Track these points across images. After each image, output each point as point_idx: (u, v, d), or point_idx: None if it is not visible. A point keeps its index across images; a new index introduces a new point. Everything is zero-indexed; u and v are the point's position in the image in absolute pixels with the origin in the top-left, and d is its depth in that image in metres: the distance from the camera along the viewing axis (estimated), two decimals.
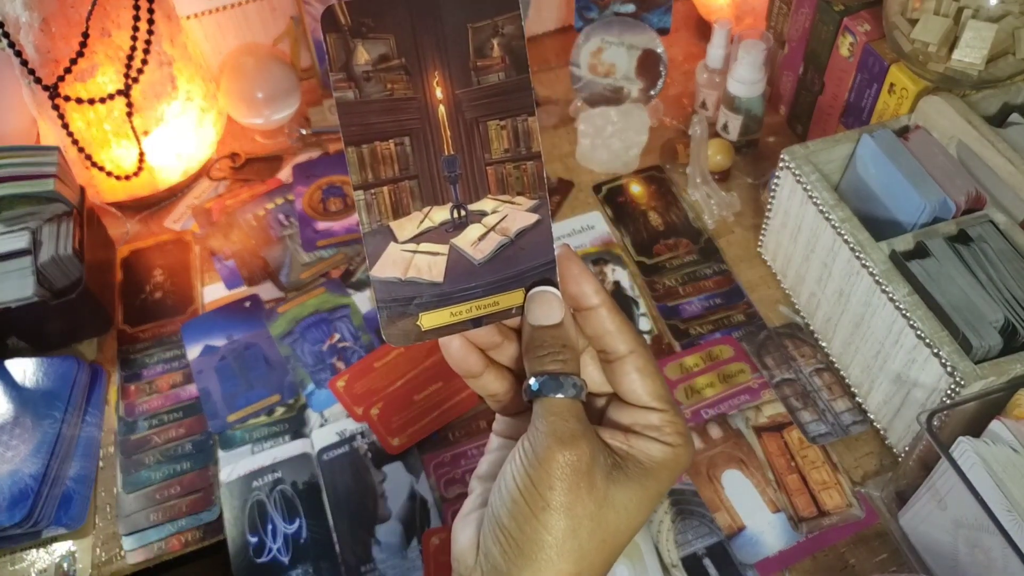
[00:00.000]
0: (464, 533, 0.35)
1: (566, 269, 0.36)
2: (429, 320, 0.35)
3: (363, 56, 0.33)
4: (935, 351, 0.60)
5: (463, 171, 0.35)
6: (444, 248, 0.35)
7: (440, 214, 0.35)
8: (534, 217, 0.36)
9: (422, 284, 0.35)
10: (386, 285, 0.35)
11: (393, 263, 0.35)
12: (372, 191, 0.35)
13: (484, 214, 0.36)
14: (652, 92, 0.97)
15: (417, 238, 0.35)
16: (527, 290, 0.36)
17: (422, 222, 0.35)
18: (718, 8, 1.05)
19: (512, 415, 0.40)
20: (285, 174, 0.99)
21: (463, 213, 0.35)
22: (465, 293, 0.35)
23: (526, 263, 0.36)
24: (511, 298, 0.36)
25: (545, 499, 0.32)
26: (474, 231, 0.35)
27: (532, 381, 0.34)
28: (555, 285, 0.36)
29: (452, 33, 0.34)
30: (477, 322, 0.36)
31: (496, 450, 0.39)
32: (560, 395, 0.34)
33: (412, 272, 0.35)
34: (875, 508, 0.68)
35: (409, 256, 0.35)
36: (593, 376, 0.38)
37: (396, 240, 0.35)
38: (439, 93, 0.34)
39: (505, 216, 0.36)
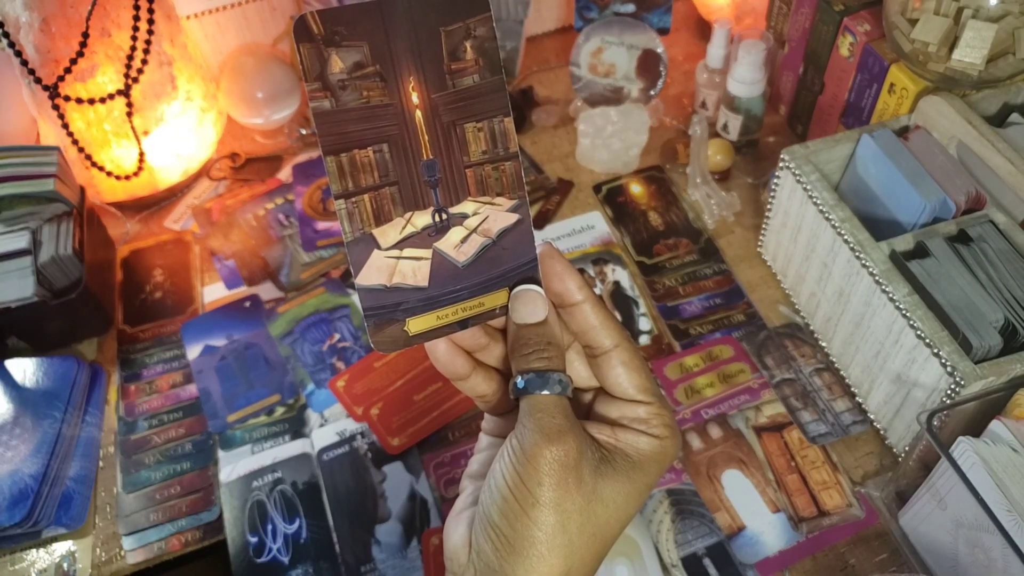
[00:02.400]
0: (456, 531, 0.36)
1: (549, 267, 0.36)
2: (416, 325, 0.36)
3: (338, 65, 0.33)
4: (935, 351, 0.60)
5: (442, 175, 0.35)
6: (427, 252, 0.35)
7: (422, 219, 0.35)
8: (515, 217, 0.36)
9: (407, 289, 0.35)
10: (372, 293, 0.35)
11: (377, 270, 0.35)
12: (353, 199, 0.34)
13: (465, 216, 0.36)
14: (652, 92, 0.97)
15: (400, 244, 0.35)
16: (511, 289, 0.36)
17: (404, 228, 0.35)
18: (718, 8, 1.05)
19: (501, 414, 0.40)
20: (285, 174, 0.99)
21: (444, 216, 0.36)
22: (451, 296, 0.36)
23: (509, 263, 0.36)
24: (496, 298, 0.36)
25: (534, 495, 0.32)
26: (456, 234, 0.36)
27: (518, 379, 0.35)
28: (538, 283, 0.36)
29: (425, 37, 0.34)
30: (464, 324, 0.36)
31: (486, 449, 0.40)
32: (546, 392, 0.34)
33: (397, 278, 0.35)
34: (875, 508, 0.68)
35: (393, 262, 0.35)
36: (579, 371, 0.38)
37: (379, 247, 0.35)
38: (415, 98, 0.34)
39: (486, 217, 0.36)
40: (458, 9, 0.33)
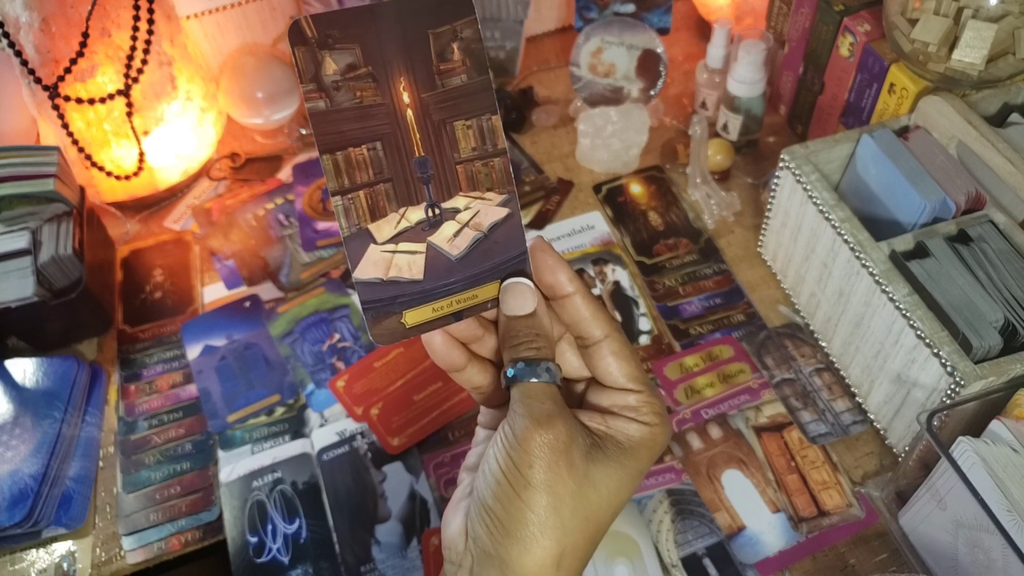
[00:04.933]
0: (454, 521, 0.36)
1: (541, 260, 0.37)
2: (412, 317, 0.37)
3: (331, 67, 0.34)
4: (935, 351, 0.60)
5: (434, 171, 0.36)
6: (422, 246, 0.37)
7: (416, 214, 0.37)
8: (504, 211, 0.37)
9: (403, 283, 0.36)
10: (369, 287, 0.36)
11: (374, 264, 0.36)
12: (349, 196, 0.35)
13: (457, 211, 0.37)
14: (652, 92, 0.97)
15: (395, 238, 0.36)
16: (501, 283, 0.37)
17: (399, 223, 0.36)
18: (718, 8, 1.05)
19: (495, 406, 0.41)
20: (285, 174, 0.99)
21: (437, 211, 0.37)
22: (445, 288, 0.37)
23: (500, 256, 0.37)
24: (488, 290, 0.38)
25: (526, 478, 0.33)
26: (449, 228, 0.37)
27: (509, 368, 0.36)
28: (528, 275, 0.37)
29: (414, 40, 0.35)
30: (458, 316, 0.37)
31: (482, 442, 0.41)
32: (534, 379, 0.35)
33: (393, 272, 0.36)
34: (875, 508, 0.68)
35: (389, 256, 0.36)
36: (572, 362, 0.39)
37: (375, 242, 0.36)
38: (406, 98, 0.35)
39: (477, 212, 0.37)
40: (445, 12, 0.35)
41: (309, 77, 0.34)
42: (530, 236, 0.36)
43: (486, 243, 0.37)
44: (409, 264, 0.36)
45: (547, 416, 0.34)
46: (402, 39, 0.35)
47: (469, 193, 0.37)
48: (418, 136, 0.36)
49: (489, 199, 0.37)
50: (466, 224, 0.37)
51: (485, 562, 0.34)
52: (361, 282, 0.36)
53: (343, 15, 0.34)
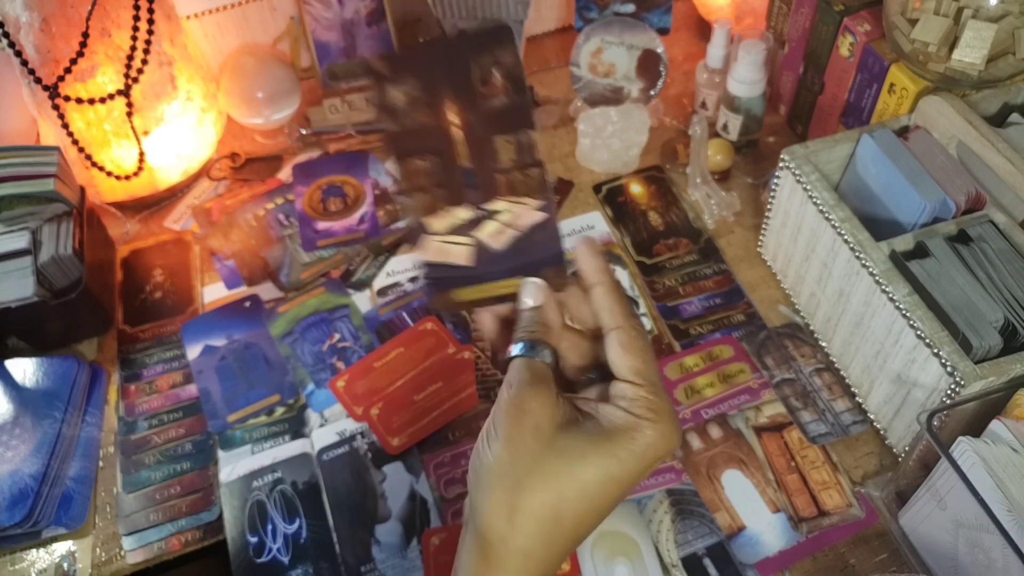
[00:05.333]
0: None
1: (579, 253, 0.43)
2: (462, 295, 0.44)
3: (395, 96, 0.43)
4: (935, 351, 0.60)
5: (479, 179, 0.43)
6: (470, 240, 0.44)
7: (464, 213, 0.44)
8: (542, 215, 0.43)
9: (455, 267, 0.44)
10: (431, 266, 0.44)
11: (430, 252, 0.44)
12: (410, 196, 0.44)
13: (499, 213, 0.43)
14: (652, 92, 0.97)
15: (448, 232, 0.44)
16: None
17: (451, 220, 0.44)
18: (718, 8, 1.05)
19: None
20: (285, 174, 0.99)
21: (482, 213, 0.44)
22: (489, 276, 0.44)
23: (537, 254, 0.44)
24: None
25: (492, 432, 0.39)
26: (492, 227, 0.44)
27: (512, 347, 0.41)
28: (563, 271, 0.43)
29: (460, 69, 0.42)
30: (500, 299, 0.44)
31: None
32: (519, 355, 0.41)
33: (446, 258, 0.44)
34: (875, 508, 0.68)
35: (443, 246, 0.44)
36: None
37: (432, 233, 0.44)
38: (454, 118, 0.43)
39: (516, 215, 0.44)
40: (487, 43, 0.42)
41: (379, 104, 0.42)
42: None
43: (524, 241, 0.43)
44: (460, 253, 0.44)
45: (521, 383, 0.39)
46: (450, 69, 0.42)
47: (509, 198, 0.43)
48: (464, 150, 0.43)
49: (528, 204, 0.43)
50: (507, 224, 0.44)
51: (470, 508, 0.40)
52: (425, 263, 0.44)
53: (404, 55, 0.42)
